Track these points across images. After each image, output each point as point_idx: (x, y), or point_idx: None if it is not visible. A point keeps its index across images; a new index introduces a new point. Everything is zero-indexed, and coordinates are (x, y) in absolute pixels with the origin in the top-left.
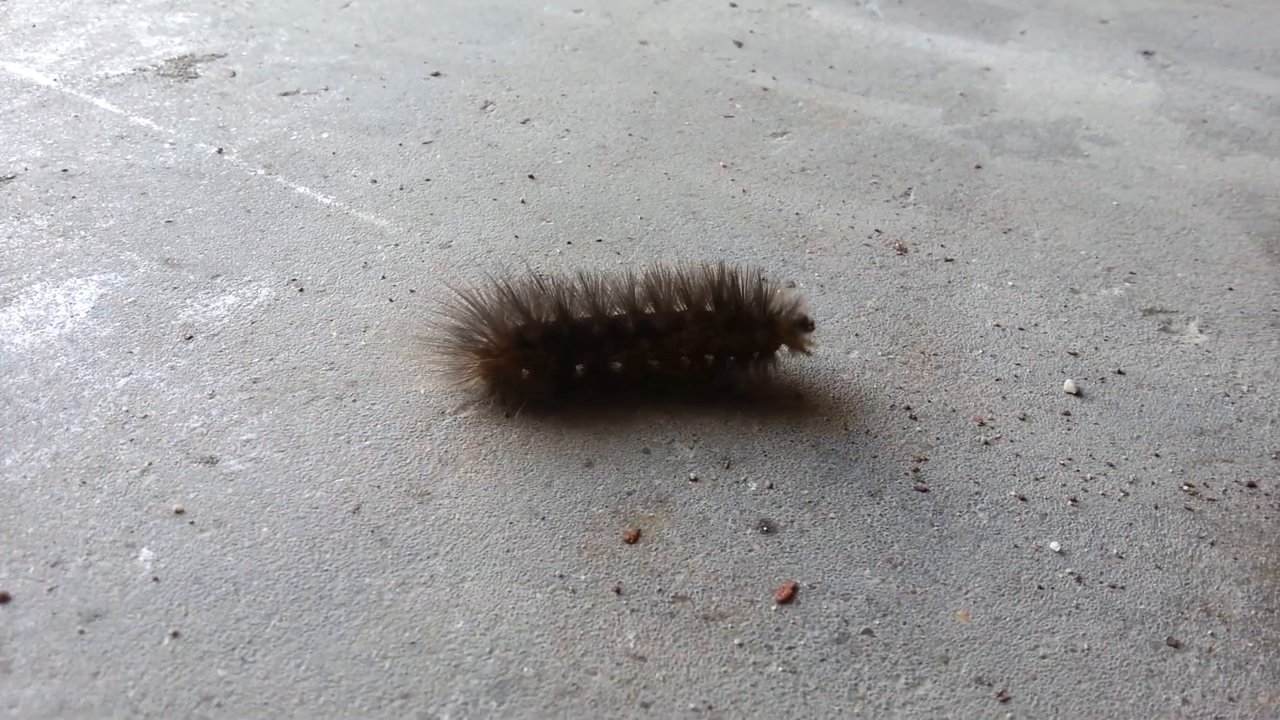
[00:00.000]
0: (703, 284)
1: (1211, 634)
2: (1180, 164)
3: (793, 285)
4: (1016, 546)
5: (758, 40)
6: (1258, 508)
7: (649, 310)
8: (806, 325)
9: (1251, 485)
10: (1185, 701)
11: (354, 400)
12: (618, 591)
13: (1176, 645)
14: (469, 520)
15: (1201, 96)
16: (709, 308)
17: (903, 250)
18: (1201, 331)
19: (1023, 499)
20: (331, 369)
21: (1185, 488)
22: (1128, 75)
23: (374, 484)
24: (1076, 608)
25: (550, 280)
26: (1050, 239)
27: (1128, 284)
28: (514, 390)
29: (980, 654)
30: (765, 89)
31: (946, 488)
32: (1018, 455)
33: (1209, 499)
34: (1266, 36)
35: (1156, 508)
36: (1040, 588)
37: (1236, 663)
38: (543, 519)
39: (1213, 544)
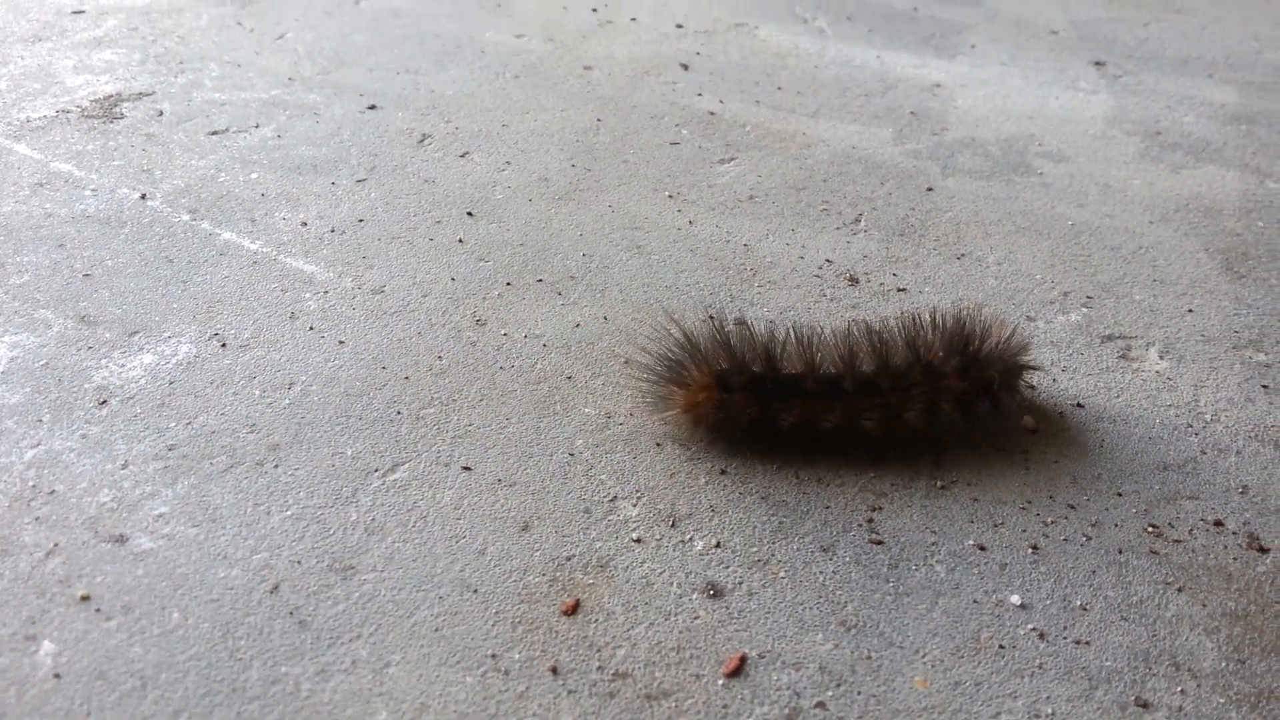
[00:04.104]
0: (927, 331)
1: (1181, 690)
2: (1135, 179)
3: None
4: (976, 601)
5: (704, 62)
6: (1225, 548)
7: (865, 368)
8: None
9: (1218, 524)
10: None
11: (275, 466)
12: (554, 671)
13: (1145, 705)
14: (395, 596)
15: (1155, 107)
16: (934, 357)
17: (854, 281)
18: (1162, 358)
19: (981, 548)
20: (253, 431)
21: (1150, 529)
22: (1080, 87)
23: (294, 559)
24: (1040, 667)
25: (764, 330)
26: (1004, 263)
27: (1085, 309)
28: (714, 429)
29: None
30: (712, 113)
31: (902, 538)
32: (975, 500)
33: (1174, 540)
34: (1218, 43)
35: (1120, 552)
36: (1001, 647)
37: None
38: (475, 591)
39: (1180, 590)
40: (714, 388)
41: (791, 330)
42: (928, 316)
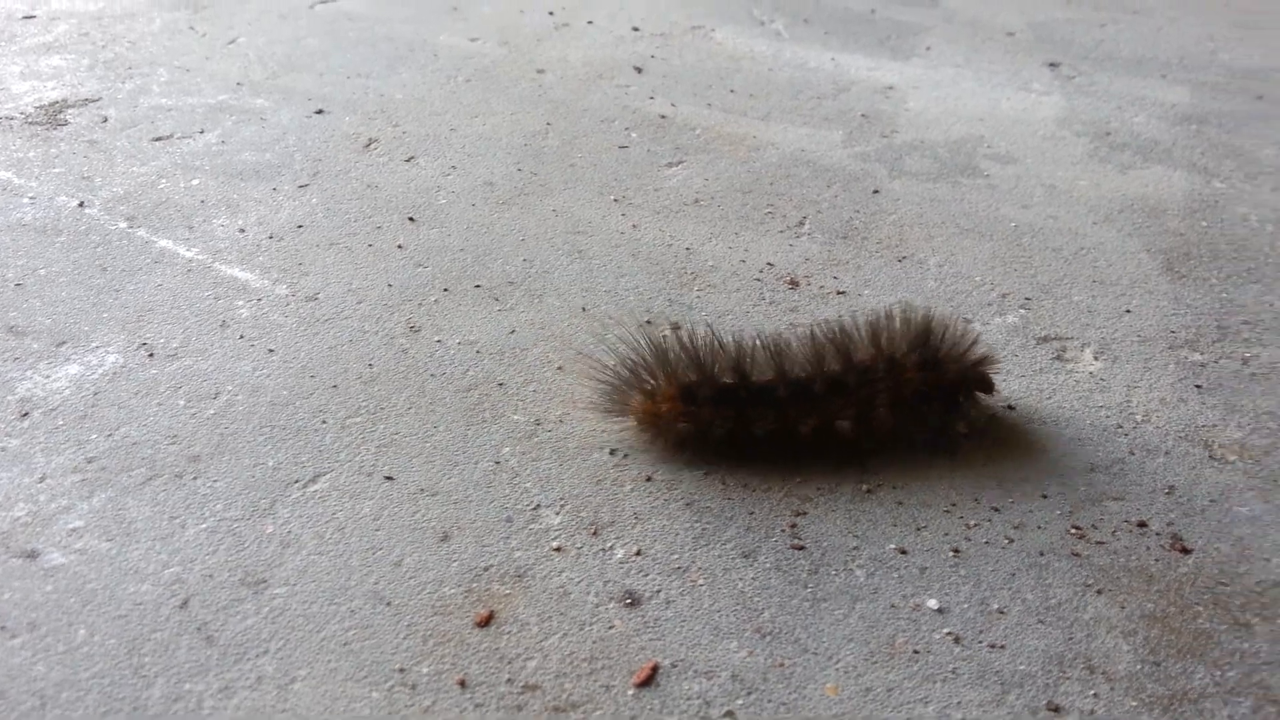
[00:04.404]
0: (882, 329)
1: (1094, 694)
2: (1082, 180)
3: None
4: (893, 606)
5: (659, 65)
6: (1147, 549)
7: (833, 368)
8: (987, 384)
9: (1142, 525)
10: None
11: (194, 478)
12: (462, 684)
13: (1057, 709)
14: (306, 610)
15: (1106, 108)
16: (897, 353)
17: (794, 284)
18: (1097, 359)
19: (903, 551)
20: (174, 442)
21: (1073, 531)
22: (1032, 89)
23: (206, 573)
24: (953, 672)
25: (732, 340)
26: (945, 265)
27: (1023, 310)
28: (672, 439)
29: None
30: (663, 116)
31: (824, 543)
32: (900, 503)
33: (1097, 542)
34: (1173, 43)
35: (1042, 555)
36: (916, 652)
37: None
38: (388, 604)
39: (1099, 592)
40: (678, 399)
41: (759, 338)
42: (896, 313)
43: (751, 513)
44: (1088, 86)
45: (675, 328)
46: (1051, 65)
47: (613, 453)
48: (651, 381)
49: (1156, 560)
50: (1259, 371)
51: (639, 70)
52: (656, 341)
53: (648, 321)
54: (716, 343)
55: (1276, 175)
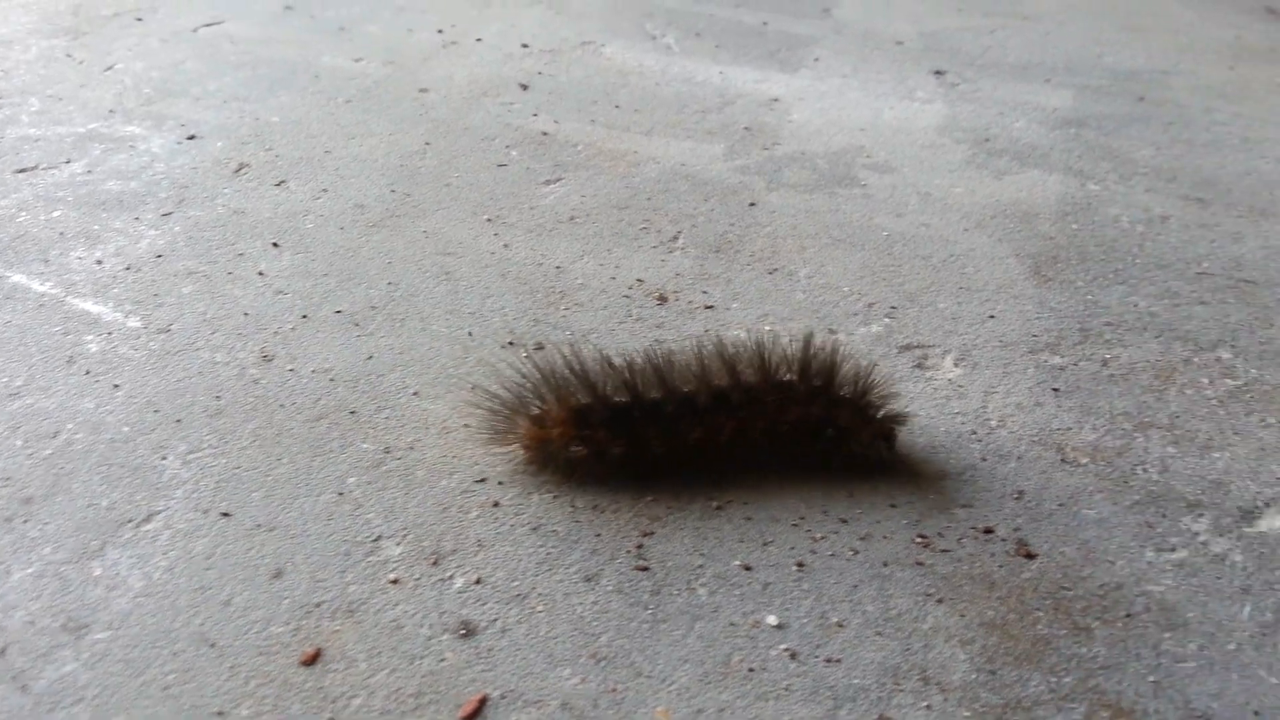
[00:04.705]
0: (785, 357)
1: (927, 705)
2: (957, 187)
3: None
4: (733, 624)
5: (546, 82)
6: (992, 555)
7: (723, 383)
8: (890, 439)
9: (988, 531)
10: None
11: (25, 520)
12: None
13: None
14: (127, 655)
15: (988, 114)
16: (790, 377)
17: (663, 300)
18: (957, 365)
19: (747, 568)
20: (7, 484)
21: (918, 540)
22: (916, 97)
23: (29, 619)
24: (786, 689)
25: (622, 360)
26: (815, 277)
27: (888, 319)
28: (560, 465)
29: None
30: (545, 133)
31: (669, 563)
32: (749, 519)
33: (942, 550)
34: (1060, 48)
35: (885, 565)
36: (751, 670)
37: None
38: (212, 645)
39: (940, 601)
40: (570, 423)
41: (646, 354)
42: (801, 341)
43: (598, 535)
44: (971, 94)
45: (538, 348)
46: (937, 73)
47: (460, 478)
48: (539, 405)
49: (1000, 566)
50: (1118, 372)
51: (525, 87)
52: (542, 363)
53: (510, 343)
54: (606, 362)
55: (1151, 176)
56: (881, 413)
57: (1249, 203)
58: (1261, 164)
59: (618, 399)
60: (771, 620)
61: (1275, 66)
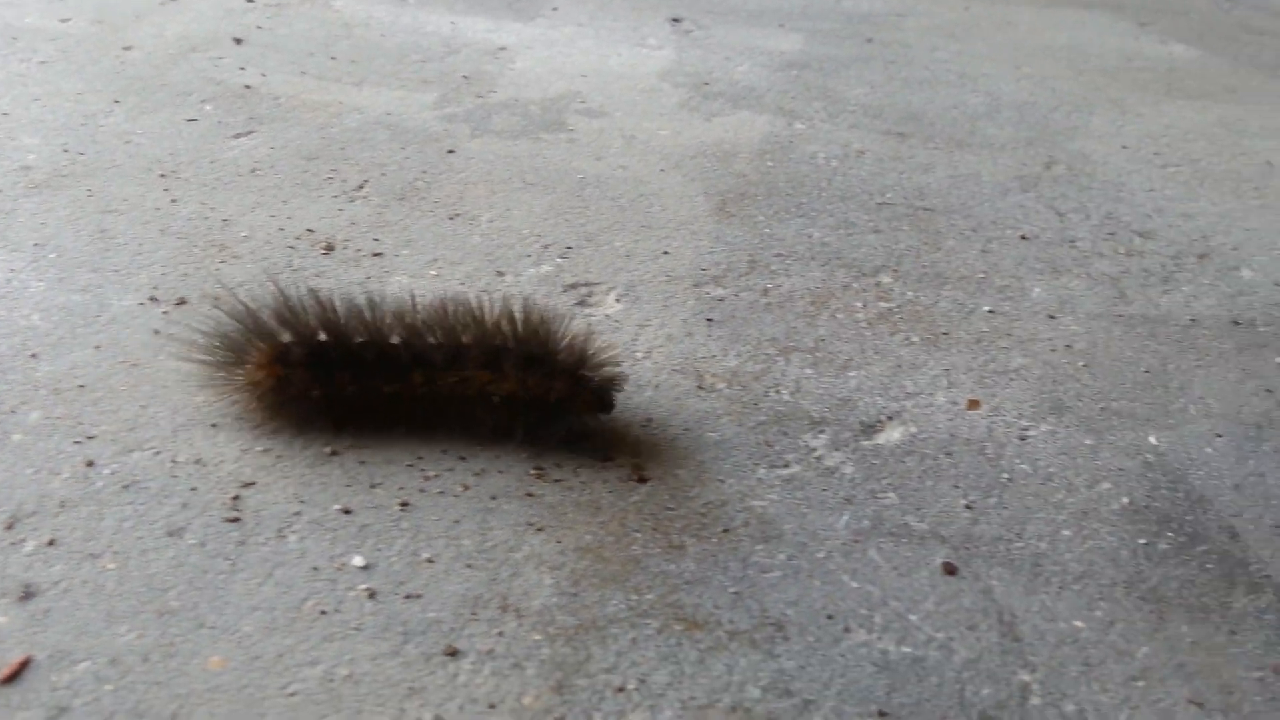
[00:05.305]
0: (508, 321)
1: (499, 633)
2: (664, 130)
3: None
4: (316, 569)
5: (263, 36)
6: (604, 482)
7: (432, 340)
8: (606, 404)
9: (607, 459)
10: (438, 719)
11: None
12: None
13: (454, 653)
14: None
15: (714, 59)
16: (506, 344)
17: (330, 249)
18: (619, 301)
19: (347, 511)
20: None
21: (533, 472)
22: (648, 44)
23: None
24: (356, 629)
25: (339, 297)
26: (497, 221)
27: (560, 259)
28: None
29: (219, 705)
30: (248, 87)
31: (264, 513)
32: (363, 463)
33: (555, 480)
34: None
35: (494, 498)
36: (323, 613)
37: (515, 662)
38: None
39: (540, 530)
40: (275, 364)
41: (366, 297)
42: (519, 306)
43: (194, 489)
44: (704, 39)
45: (180, 303)
46: (674, 20)
47: (63, 440)
48: (249, 349)
49: (611, 493)
50: (775, 301)
51: (239, 42)
52: (248, 304)
53: (151, 299)
54: (317, 299)
55: (859, 113)
56: (597, 379)
57: (948, 135)
58: (971, 98)
59: (320, 338)
60: (358, 561)
61: (1007, 4)
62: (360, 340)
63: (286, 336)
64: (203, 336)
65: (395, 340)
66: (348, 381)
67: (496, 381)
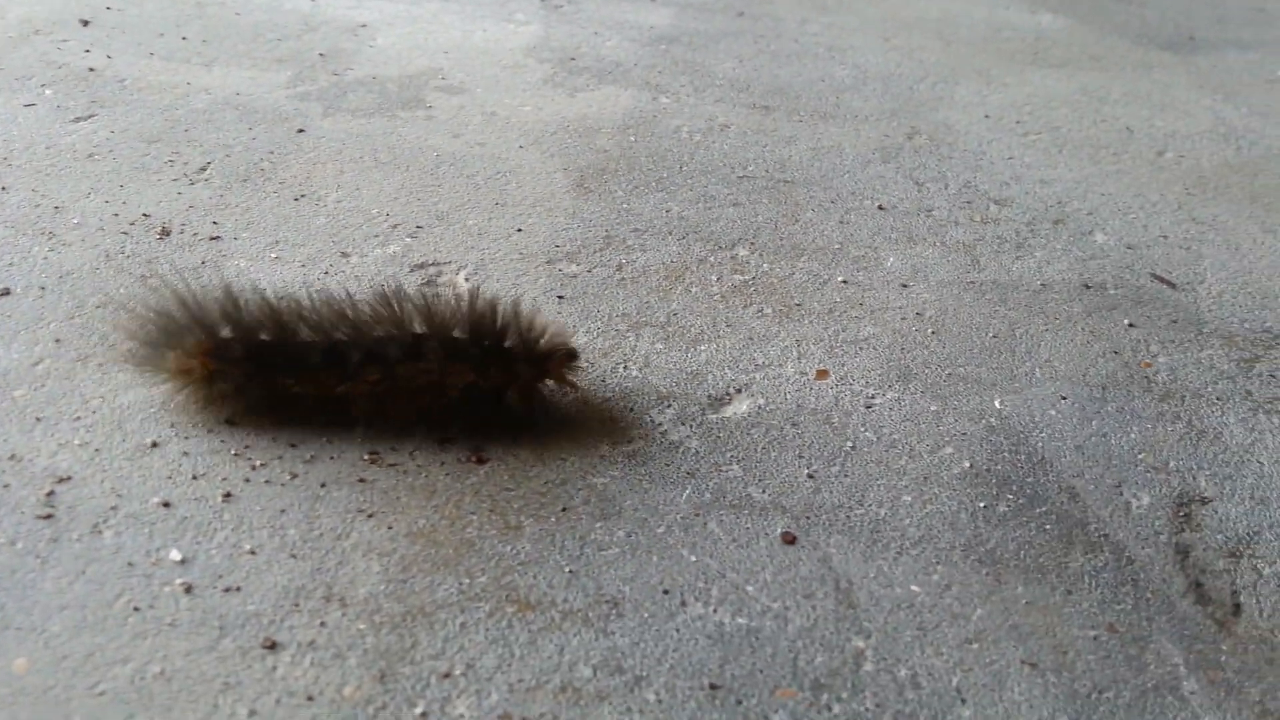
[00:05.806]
0: (455, 309)
1: (322, 623)
2: (526, 106)
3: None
4: (131, 564)
5: (113, 17)
6: (442, 464)
7: (381, 334)
8: (573, 356)
9: (445, 441)
10: (253, 713)
11: None
12: None
13: (273, 646)
14: None
15: (582, 34)
16: (459, 334)
17: (166, 233)
18: (468, 280)
19: (166, 504)
20: None
21: (368, 457)
22: (515, 19)
23: None
24: (171, 625)
25: (285, 297)
26: (345, 201)
27: (409, 239)
28: (206, 400)
29: (21, 709)
30: (92, 69)
31: (79, 508)
32: (186, 454)
33: (390, 464)
34: None
35: (324, 486)
36: (136, 609)
37: (336, 653)
38: None
39: (370, 516)
40: (209, 357)
41: (310, 295)
42: (466, 296)
43: (6, 485)
44: (573, 14)
45: (4, 293)
46: None
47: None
48: (181, 338)
49: (448, 475)
50: (629, 276)
51: (86, 24)
52: (185, 295)
53: None
54: (263, 298)
55: (724, 87)
56: (556, 358)
57: (814, 108)
58: (838, 70)
59: (262, 336)
60: (175, 556)
61: None
62: (307, 339)
63: (226, 331)
64: (140, 317)
65: (342, 336)
66: (293, 382)
67: (457, 373)
